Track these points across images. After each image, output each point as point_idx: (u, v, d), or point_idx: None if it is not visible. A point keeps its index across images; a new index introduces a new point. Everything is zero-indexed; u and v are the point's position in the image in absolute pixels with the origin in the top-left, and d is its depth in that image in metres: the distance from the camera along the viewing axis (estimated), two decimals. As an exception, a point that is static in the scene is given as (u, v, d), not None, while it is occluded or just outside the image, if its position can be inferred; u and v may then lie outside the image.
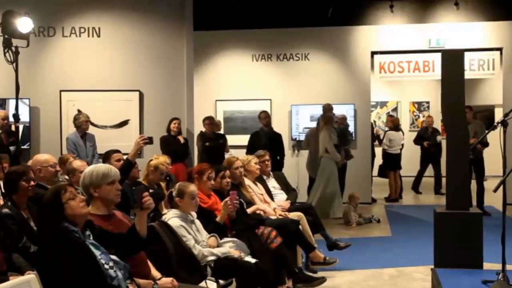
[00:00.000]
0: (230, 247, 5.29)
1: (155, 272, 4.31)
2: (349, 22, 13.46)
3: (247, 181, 7.16)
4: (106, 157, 6.64)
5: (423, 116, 19.25)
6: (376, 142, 14.63)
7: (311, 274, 6.99)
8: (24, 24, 7.79)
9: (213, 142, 11.04)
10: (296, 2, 13.14)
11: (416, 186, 14.75)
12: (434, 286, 5.73)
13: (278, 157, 10.79)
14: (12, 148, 8.69)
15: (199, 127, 11.39)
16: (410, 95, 19.41)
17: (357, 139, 13.34)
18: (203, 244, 5.17)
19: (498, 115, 16.25)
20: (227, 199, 5.65)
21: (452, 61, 6.39)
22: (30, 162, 5.97)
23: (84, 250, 3.58)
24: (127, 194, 4.94)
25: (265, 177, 7.77)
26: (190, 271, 4.77)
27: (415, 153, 14.20)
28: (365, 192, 12.49)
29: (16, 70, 7.67)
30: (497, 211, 11.03)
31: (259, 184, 7.45)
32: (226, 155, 10.37)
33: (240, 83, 13.66)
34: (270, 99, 13.49)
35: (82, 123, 9.38)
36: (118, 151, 6.70)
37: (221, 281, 5.03)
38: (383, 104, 19.64)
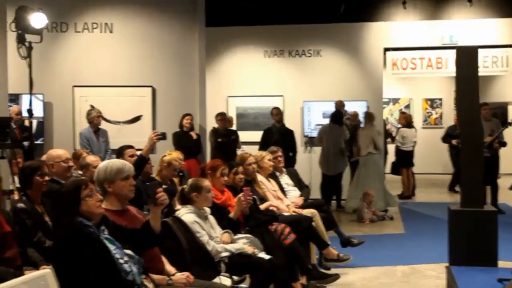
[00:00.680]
0: (243, 243, 5.29)
1: (169, 268, 4.31)
2: (362, 19, 13.40)
3: (260, 177, 7.15)
4: (119, 153, 6.64)
5: (436, 113, 19.20)
6: (389, 139, 14.57)
7: (324, 270, 7.00)
8: (37, 19, 7.82)
9: (225, 138, 11.05)
10: (309, -2, 13.12)
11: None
12: (449, 284, 5.70)
13: (291, 154, 10.77)
14: (25, 143, 8.73)
15: (211, 123, 11.39)
16: (422, 92, 19.34)
17: (369, 136, 13.28)
18: (217, 240, 5.17)
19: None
20: (240, 195, 5.64)
21: (466, 58, 6.34)
22: (44, 157, 5.99)
23: (99, 244, 3.59)
24: (140, 189, 4.94)
25: (278, 173, 7.76)
26: (204, 267, 4.78)
27: (428, 150, 14.15)
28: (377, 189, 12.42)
29: (30, 66, 7.70)
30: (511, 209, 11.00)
31: (272, 181, 7.43)
32: (238, 151, 10.38)
33: (252, 79, 13.62)
34: (282, 96, 13.45)
35: (93, 118, 9.42)
36: (131, 147, 6.71)
37: (234, 277, 5.03)
38: (395, 101, 19.59)
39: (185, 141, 9.90)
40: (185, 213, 5.09)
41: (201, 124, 10.73)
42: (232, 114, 13.49)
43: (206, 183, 5.30)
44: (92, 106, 9.96)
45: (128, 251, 3.76)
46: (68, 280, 3.53)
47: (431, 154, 14.55)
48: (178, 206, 5.43)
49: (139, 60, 10.74)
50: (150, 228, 3.88)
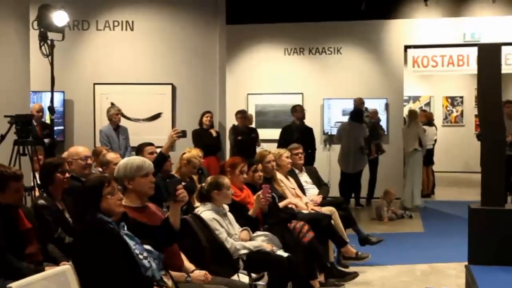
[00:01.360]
0: (262, 240, 5.29)
1: (188, 265, 4.33)
2: (383, 16, 13.34)
3: (279, 175, 7.15)
4: (139, 150, 6.67)
5: (456, 111, 19.05)
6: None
7: (343, 269, 7.00)
8: (59, 17, 7.86)
9: (245, 136, 11.05)
10: (330, -4, 13.09)
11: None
12: (469, 283, 5.66)
13: (310, 151, 10.75)
14: (46, 140, 8.79)
15: (231, 121, 11.41)
16: (443, 89, 19.20)
17: (389, 134, 13.22)
18: (236, 237, 5.17)
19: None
20: (259, 192, 5.64)
21: (489, 55, 6.29)
22: (65, 154, 6.03)
23: (119, 240, 3.62)
24: (159, 186, 4.96)
25: (297, 171, 7.75)
26: (223, 264, 4.78)
27: (448, 148, 14.04)
28: (397, 188, 12.33)
29: (52, 63, 7.74)
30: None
31: (291, 179, 7.43)
32: (258, 149, 10.38)
33: (272, 77, 13.62)
34: (302, 93, 13.43)
35: (112, 115, 9.50)
36: (151, 144, 6.73)
37: (253, 275, 5.03)
38: (415, 98, 19.46)
39: (205, 138, 9.92)
40: (204, 211, 5.10)
41: (220, 121, 10.74)
42: (251, 111, 13.49)
43: (226, 180, 5.31)
44: (112, 104, 10.02)
45: (148, 247, 3.78)
46: (88, 276, 3.56)
47: (451, 152, 14.42)
48: (197, 204, 5.45)
49: (159, 58, 10.79)
50: (170, 225, 3.90)
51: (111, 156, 6.21)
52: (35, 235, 4.37)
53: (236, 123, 11.25)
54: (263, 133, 12.46)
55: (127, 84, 10.63)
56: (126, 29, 10.81)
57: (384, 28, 13.35)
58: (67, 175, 4.99)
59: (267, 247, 5.18)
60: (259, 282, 5.32)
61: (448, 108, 19.22)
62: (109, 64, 10.69)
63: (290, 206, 6.73)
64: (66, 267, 3.65)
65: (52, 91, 7.82)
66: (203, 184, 5.38)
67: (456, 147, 17.30)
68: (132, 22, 10.80)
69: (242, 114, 11.28)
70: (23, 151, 6.25)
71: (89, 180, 3.92)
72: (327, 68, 13.46)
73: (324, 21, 13.34)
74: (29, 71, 7.57)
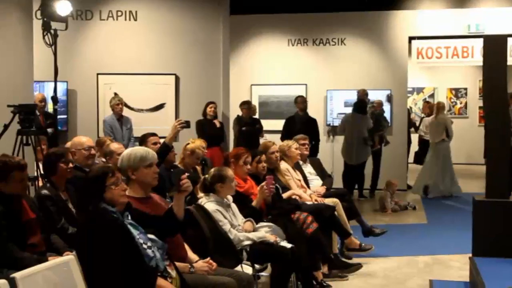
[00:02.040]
0: (265, 231, 5.29)
1: (192, 255, 4.33)
2: (387, 7, 13.28)
3: (286, 166, 7.14)
4: (142, 140, 6.64)
5: (460, 103, 19.00)
6: (412, 129, 14.44)
7: (346, 260, 7.00)
8: (63, 7, 7.85)
9: (250, 127, 11.04)
10: (333, -14, 13.04)
11: None
12: (472, 275, 5.64)
13: (313, 142, 10.73)
14: (49, 130, 8.79)
15: (234, 112, 11.38)
16: (447, 81, 19.14)
17: (393, 125, 13.19)
18: (239, 228, 5.17)
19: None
20: (263, 183, 5.63)
21: (495, 46, 6.24)
22: (68, 144, 6.02)
23: (122, 230, 3.61)
24: (163, 177, 4.95)
25: (301, 162, 7.73)
26: (226, 255, 4.78)
27: (452, 140, 13.93)
28: (400, 179, 12.37)
29: (55, 53, 7.73)
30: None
31: (296, 170, 7.41)
32: (261, 140, 10.37)
33: (276, 67, 13.59)
34: (305, 84, 13.40)
35: (113, 106, 9.52)
36: (154, 134, 6.71)
37: (256, 266, 5.03)
38: (419, 90, 19.41)
39: (209, 129, 9.92)
40: (208, 202, 5.10)
41: (224, 112, 10.73)
42: (255, 102, 13.45)
43: (230, 172, 5.30)
44: (115, 94, 10.01)
45: (152, 236, 3.77)
46: (91, 266, 3.56)
47: (455, 144, 14.33)
48: (200, 194, 5.44)
49: (163, 48, 10.77)
50: (174, 215, 3.88)
51: (114, 146, 6.19)
52: (38, 225, 4.37)
53: (240, 113, 11.22)
54: (266, 124, 12.41)
55: (131, 74, 10.62)
56: (129, 19, 10.78)
57: (389, 19, 13.30)
58: (70, 165, 5.00)
59: (271, 238, 5.18)
60: (263, 273, 5.33)
61: (452, 100, 19.16)
62: (112, 54, 10.67)
63: (294, 197, 6.71)
64: (69, 257, 3.65)
65: (55, 81, 7.81)
66: (207, 176, 5.37)
67: (460, 139, 17.26)
68: (136, 12, 10.77)
69: (247, 105, 11.26)
70: (26, 141, 6.24)
71: (93, 170, 3.91)
72: (331, 59, 13.42)
73: (328, 11, 13.29)
74: (32, 61, 7.56)
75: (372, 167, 12.26)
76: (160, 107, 10.71)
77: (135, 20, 10.78)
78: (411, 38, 13.40)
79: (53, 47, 7.72)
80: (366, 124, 11.48)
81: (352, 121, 11.46)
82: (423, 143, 13.70)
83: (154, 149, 5.51)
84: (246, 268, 4.86)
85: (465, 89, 19.10)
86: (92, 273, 3.56)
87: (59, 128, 9.43)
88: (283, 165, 7.11)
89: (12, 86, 7.05)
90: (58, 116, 8.80)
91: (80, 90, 10.78)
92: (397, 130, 13.26)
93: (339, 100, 13.37)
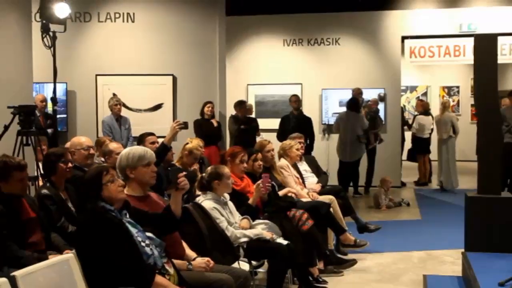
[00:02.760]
0: (262, 229, 5.29)
1: (190, 252, 4.32)
2: (380, 7, 13.30)
3: (286, 162, 7.15)
4: (140, 140, 6.64)
5: (453, 101, 19.01)
6: (405, 127, 14.45)
7: (341, 256, 7.01)
8: (61, 9, 7.84)
9: (247, 125, 11.06)
10: (327, -13, 13.04)
11: None
12: (465, 269, 5.66)
13: (308, 141, 10.74)
14: (49, 130, 8.78)
15: (231, 111, 11.38)
16: (440, 79, 19.19)
17: (387, 123, 13.21)
18: (236, 226, 5.17)
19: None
20: (259, 181, 5.63)
21: (485, 45, 6.25)
22: (67, 144, 6.02)
23: (121, 228, 3.61)
24: (161, 176, 4.95)
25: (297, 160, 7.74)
26: (223, 252, 4.78)
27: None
28: (394, 176, 12.39)
29: (54, 55, 7.72)
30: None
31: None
32: (258, 139, 10.37)
33: (272, 67, 13.60)
34: (301, 84, 13.42)
35: (112, 106, 9.51)
36: (152, 134, 6.71)
37: (253, 262, 5.05)
38: (413, 88, 19.44)
39: (206, 128, 9.91)
40: (205, 200, 5.10)
41: (221, 111, 10.73)
42: (251, 102, 13.49)
43: (226, 170, 5.30)
44: (114, 94, 10.01)
45: (150, 234, 3.78)
46: (91, 264, 3.56)
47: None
48: (198, 192, 5.44)
49: (160, 49, 10.77)
50: (171, 212, 3.89)
51: (113, 146, 6.19)
52: (38, 224, 4.37)
53: (234, 113, 11.22)
54: (262, 123, 12.43)
55: (129, 75, 10.62)
56: (127, 21, 10.78)
57: (382, 19, 13.32)
58: (70, 165, 4.99)
59: (267, 235, 5.18)
60: (259, 270, 5.35)
61: (444, 98, 19.18)
62: (110, 55, 10.67)
63: (289, 194, 6.71)
64: (69, 256, 3.66)
65: (54, 82, 7.81)
66: (204, 174, 5.37)
67: (453, 136, 17.30)
68: (133, 14, 10.77)
69: (243, 105, 11.28)
70: (26, 142, 6.24)
71: (88, 172, 3.90)
72: (326, 58, 13.43)
73: (322, 12, 13.31)
74: (31, 62, 7.56)
75: (367, 164, 12.29)
76: (158, 107, 10.71)
77: (133, 21, 10.78)
78: (404, 38, 13.43)
79: (52, 48, 7.71)
80: (359, 122, 11.47)
81: (346, 119, 11.46)
82: (416, 140, 13.71)
83: (152, 148, 5.52)
84: (243, 265, 4.88)
85: (458, 87, 19.15)
86: (91, 271, 3.56)
87: (59, 128, 9.42)
88: (283, 161, 7.13)
89: (12, 88, 7.04)
90: (58, 116, 8.79)
91: (79, 91, 10.78)
92: (391, 128, 13.27)
93: (334, 99, 13.39)
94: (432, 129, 13.75)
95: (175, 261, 3.97)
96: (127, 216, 3.77)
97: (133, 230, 3.67)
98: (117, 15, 10.78)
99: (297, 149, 7.36)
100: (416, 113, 14.86)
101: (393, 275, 6.56)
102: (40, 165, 5.78)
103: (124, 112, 9.85)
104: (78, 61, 10.68)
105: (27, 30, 7.48)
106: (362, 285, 6.22)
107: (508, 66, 16.56)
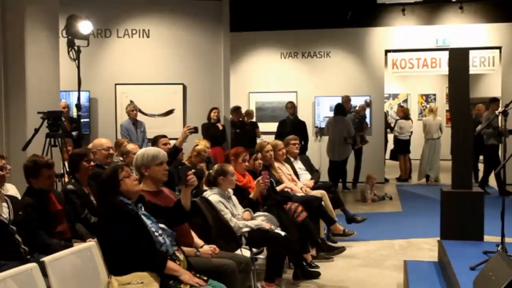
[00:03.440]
0: (262, 220, 5.28)
1: (198, 241, 4.32)
2: (366, 24, 13.29)
3: (278, 164, 7.13)
4: (154, 141, 6.63)
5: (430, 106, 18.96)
6: (388, 130, 14.45)
7: (332, 244, 7.00)
8: (85, 26, 7.86)
9: (241, 129, 11.12)
10: (320, 6, 13.01)
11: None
12: (440, 255, 5.66)
13: (303, 142, 10.73)
14: (74, 133, 8.78)
15: (235, 116, 11.38)
16: (418, 88, 19.16)
17: (372, 126, 13.20)
18: (239, 217, 5.17)
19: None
20: (259, 178, 5.63)
21: (458, 58, 6.24)
22: (90, 145, 6.02)
23: (137, 219, 3.61)
24: (172, 173, 4.95)
25: (292, 159, 7.73)
26: (227, 240, 4.78)
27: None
28: (379, 173, 12.39)
29: (78, 67, 7.74)
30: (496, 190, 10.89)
31: (287, 166, 7.41)
32: (258, 140, 10.37)
33: (270, 77, 13.60)
34: (296, 92, 13.41)
35: (129, 111, 9.55)
36: (164, 136, 6.71)
37: (254, 249, 5.04)
38: (395, 96, 19.41)
39: (213, 131, 9.92)
40: (211, 194, 5.10)
41: (225, 116, 10.73)
42: (252, 107, 13.49)
43: (230, 168, 5.30)
44: (131, 101, 10.02)
45: (162, 225, 3.78)
46: (111, 251, 3.56)
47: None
48: (205, 188, 5.44)
49: (172, 61, 10.77)
50: (181, 206, 3.89)
51: (130, 147, 6.20)
52: (64, 215, 4.38)
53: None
54: (262, 126, 12.47)
55: (144, 84, 10.63)
56: (143, 36, 10.79)
57: (368, 35, 13.31)
58: (92, 163, 5.00)
59: (266, 225, 5.18)
60: (259, 256, 5.34)
61: (423, 104, 19.17)
62: (128, 67, 10.67)
63: (286, 189, 6.71)
64: (91, 243, 3.66)
65: (79, 91, 7.82)
66: (211, 171, 5.37)
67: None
68: (148, 30, 10.78)
69: (238, 110, 11.34)
70: (54, 143, 6.25)
71: (105, 172, 3.90)
72: (318, 69, 13.43)
73: (315, 28, 13.30)
74: (58, 73, 7.56)
75: (354, 163, 12.27)
76: (169, 112, 10.71)
77: (148, 37, 10.79)
78: (387, 51, 13.44)
79: (76, 61, 7.72)
80: (346, 125, 11.44)
81: (334, 123, 11.45)
82: (397, 141, 13.70)
83: (164, 149, 5.51)
84: (245, 252, 4.87)
85: (434, 95, 19.13)
86: (111, 257, 3.57)
87: (82, 131, 9.42)
88: (276, 164, 7.11)
89: (41, 95, 7.05)
90: (81, 120, 8.79)
91: (100, 98, 10.78)
92: (376, 131, 13.27)
93: (325, 105, 13.38)
94: (411, 132, 13.74)
95: (184, 248, 3.97)
96: (143, 209, 3.77)
97: (148, 222, 3.67)
98: (134, 31, 10.79)
99: (280, 150, 7.27)
100: (397, 117, 14.85)
101: (377, 261, 6.56)
102: (66, 163, 5.78)
103: (139, 117, 9.86)
104: (99, 72, 10.68)
105: (55, 45, 7.49)
106: (350, 269, 6.23)
107: (478, 76, 16.54)
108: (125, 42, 10.78)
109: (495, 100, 10.98)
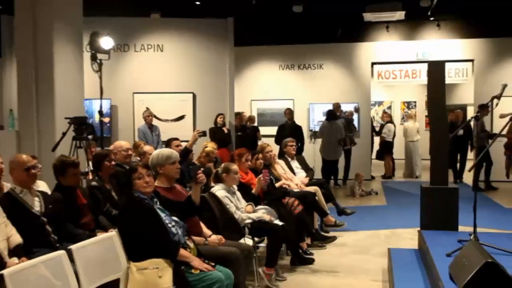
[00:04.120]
0: (263, 213, 5.29)
1: (206, 231, 4.34)
2: (354, 39, 13.29)
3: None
4: (168, 143, 6.68)
5: (410, 113, 18.93)
6: (374, 133, 14.40)
7: (324, 233, 7.00)
8: (106, 42, 7.87)
9: (242, 133, 11.14)
10: (314, 24, 13.02)
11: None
12: (420, 244, 5.67)
13: (299, 144, 10.74)
14: (90, 136, 8.76)
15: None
16: (401, 96, 19.12)
17: (360, 130, 13.20)
18: (242, 210, 5.18)
19: (470, 112, 15.95)
20: (260, 176, 5.64)
21: (436, 69, 6.25)
22: (111, 147, 6.04)
23: (153, 213, 3.63)
24: (184, 172, 4.97)
25: (289, 159, 7.74)
26: (232, 231, 4.80)
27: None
28: (366, 171, 12.38)
29: (100, 78, 7.75)
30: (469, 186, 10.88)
31: (283, 164, 7.41)
32: (259, 142, 10.37)
33: (270, 86, 13.59)
34: (293, 99, 13.41)
35: (145, 117, 9.58)
36: (177, 139, 6.74)
37: (256, 239, 5.05)
38: (380, 103, 19.36)
39: (219, 134, 9.93)
40: (218, 190, 5.11)
41: (230, 121, 10.75)
42: (254, 113, 13.50)
43: (234, 167, 5.31)
44: (147, 108, 10.04)
45: (175, 218, 3.79)
46: (130, 240, 3.58)
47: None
48: (212, 184, 5.46)
49: (183, 72, 10.80)
50: (192, 201, 3.90)
51: (146, 148, 6.21)
52: (89, 209, 4.40)
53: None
54: (263, 130, 12.51)
55: (158, 93, 10.64)
56: (157, 51, 10.82)
57: (356, 49, 13.31)
58: (113, 163, 5.01)
59: (267, 217, 5.19)
60: (260, 244, 5.35)
61: (405, 110, 19.13)
62: (144, 77, 10.70)
63: (284, 186, 6.72)
64: (112, 234, 3.68)
65: (101, 99, 7.83)
66: (219, 169, 5.39)
67: (411, 140, 17.20)
68: (162, 45, 10.81)
69: (239, 116, 11.35)
70: (79, 145, 6.27)
71: (122, 172, 3.91)
72: (312, 79, 13.43)
73: (309, 43, 13.30)
74: (83, 83, 7.59)
75: (344, 162, 12.26)
76: (181, 118, 10.73)
77: (162, 51, 10.82)
78: (373, 63, 13.44)
79: (99, 72, 7.74)
80: (337, 129, 11.43)
81: (327, 127, 11.45)
82: (383, 143, 13.66)
83: (177, 150, 5.53)
84: (248, 241, 4.88)
85: (415, 102, 19.08)
86: (130, 245, 3.58)
87: (104, 135, 9.43)
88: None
89: (68, 103, 7.07)
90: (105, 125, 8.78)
91: (120, 105, 10.80)
92: (363, 134, 13.26)
93: (318, 111, 13.37)
94: (394, 135, 13.73)
95: (194, 238, 3.99)
96: (157, 203, 3.78)
97: (162, 214, 3.68)
98: (149, 46, 10.82)
99: (267, 153, 6.96)
100: (382, 122, 14.83)
101: (365, 249, 6.56)
102: (90, 163, 5.80)
103: (154, 122, 9.88)
104: (119, 82, 10.70)
105: (79, 59, 7.51)
106: (341, 256, 6.23)
107: (453, 85, 16.52)
108: (142, 56, 10.81)
109: (484, 106, 10.80)
